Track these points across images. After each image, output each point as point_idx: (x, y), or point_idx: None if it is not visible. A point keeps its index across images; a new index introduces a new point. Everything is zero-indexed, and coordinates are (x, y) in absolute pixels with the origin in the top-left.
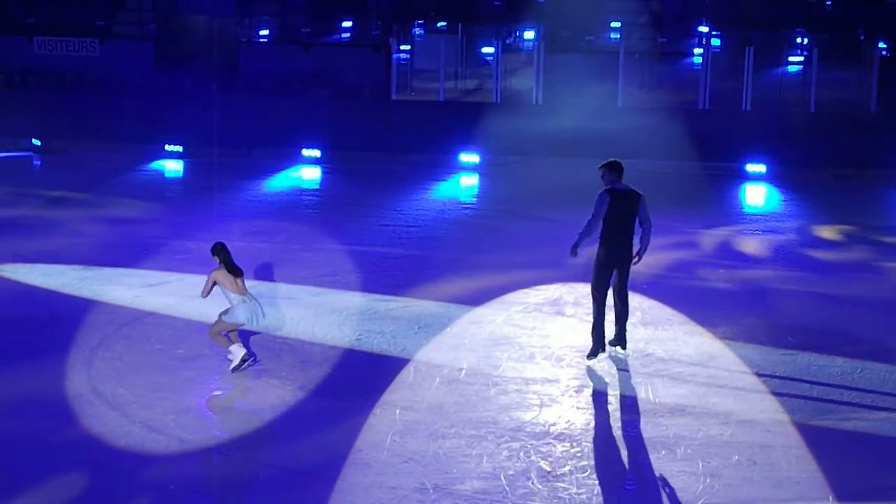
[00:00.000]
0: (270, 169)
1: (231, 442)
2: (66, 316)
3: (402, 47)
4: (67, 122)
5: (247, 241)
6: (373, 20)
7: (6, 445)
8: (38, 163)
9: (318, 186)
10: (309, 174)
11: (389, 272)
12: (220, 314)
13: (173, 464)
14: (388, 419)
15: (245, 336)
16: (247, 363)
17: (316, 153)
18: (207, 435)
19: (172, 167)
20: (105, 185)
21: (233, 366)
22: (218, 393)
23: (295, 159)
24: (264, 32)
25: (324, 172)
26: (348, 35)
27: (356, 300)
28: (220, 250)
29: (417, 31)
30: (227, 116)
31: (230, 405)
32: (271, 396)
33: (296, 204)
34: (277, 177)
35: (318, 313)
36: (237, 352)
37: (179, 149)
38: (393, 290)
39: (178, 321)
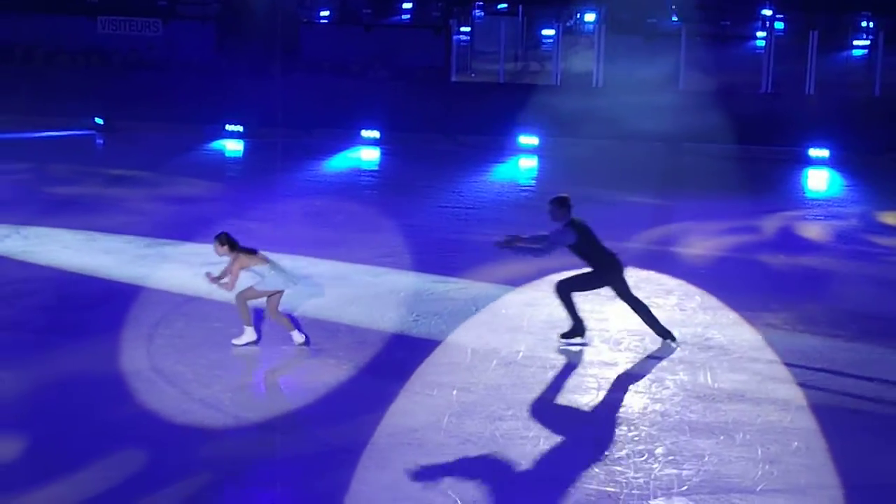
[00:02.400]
0: (330, 149)
1: (286, 420)
2: (126, 293)
3: (463, 29)
4: (130, 102)
5: (306, 221)
6: (433, 2)
7: (67, 422)
8: (101, 141)
9: (376, 167)
10: (368, 155)
11: (447, 254)
12: (251, 287)
13: (230, 441)
14: (445, 400)
15: (302, 318)
16: (249, 345)
17: (375, 134)
18: (263, 412)
19: (232, 147)
20: (166, 163)
21: (236, 340)
22: (274, 371)
23: (354, 140)
24: (325, 13)
25: (382, 153)
26: (409, 16)
27: (413, 281)
28: (228, 239)
29: (478, 12)
30: (287, 97)
31: (287, 383)
32: (327, 375)
33: (354, 185)
34: (336, 157)
35: (376, 294)
36: (249, 332)
37: (240, 129)
38: (450, 271)
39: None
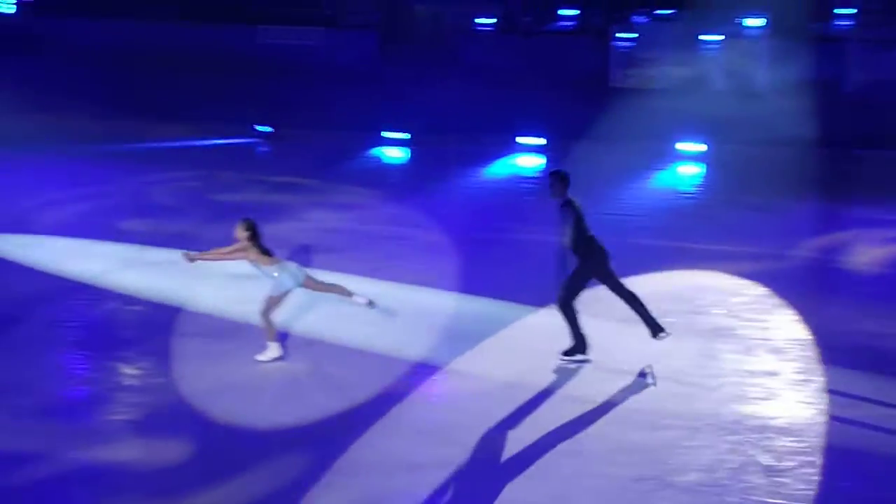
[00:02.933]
0: (489, 156)
1: (445, 429)
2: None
3: (624, 35)
4: (292, 109)
5: (466, 227)
6: (594, 8)
7: (233, 425)
8: (264, 149)
9: (536, 174)
10: (528, 162)
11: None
12: (268, 296)
13: (398, 446)
14: (606, 409)
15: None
16: (275, 360)
17: (535, 141)
18: (425, 419)
19: (393, 154)
20: (328, 171)
21: (261, 356)
22: (439, 379)
23: (514, 147)
24: (486, 21)
25: (545, 160)
26: (569, 24)
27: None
28: (252, 227)
29: (639, 18)
30: (447, 104)
31: (446, 391)
32: (489, 385)
33: (514, 191)
34: (496, 164)
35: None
36: (273, 349)
37: (400, 136)
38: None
39: (395, 305)
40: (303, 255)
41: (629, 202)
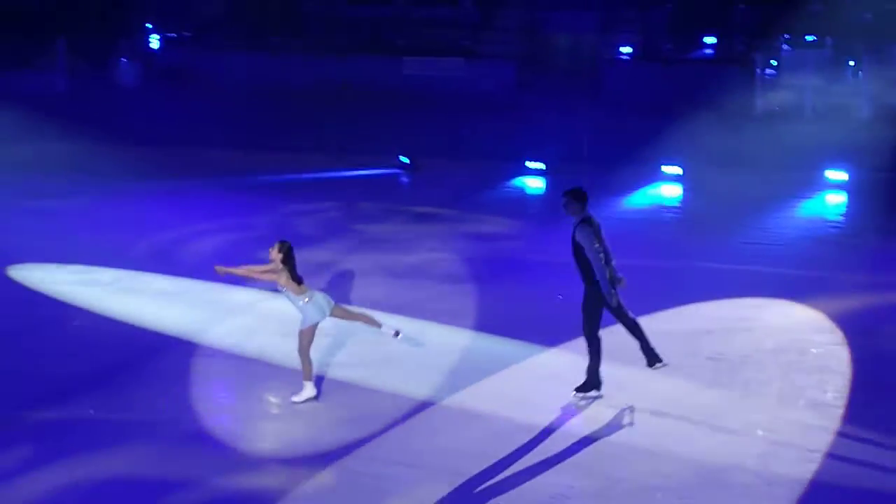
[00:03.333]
0: (631, 186)
1: (581, 459)
2: (423, 329)
3: (768, 62)
4: (433, 140)
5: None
6: (737, 35)
7: (380, 454)
8: (406, 179)
9: (678, 203)
10: (669, 191)
11: (748, 290)
12: (299, 331)
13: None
14: (750, 439)
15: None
16: (308, 401)
17: (676, 170)
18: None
19: (534, 184)
20: (468, 200)
21: (296, 398)
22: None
23: (654, 176)
24: (626, 50)
25: (684, 189)
26: (711, 51)
27: (716, 313)
28: (288, 250)
29: (783, 45)
30: (588, 133)
31: (582, 420)
32: (625, 417)
33: (656, 220)
34: (637, 194)
35: (676, 322)
36: (308, 389)
37: (541, 165)
38: (749, 308)
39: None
40: (442, 283)
41: (773, 231)
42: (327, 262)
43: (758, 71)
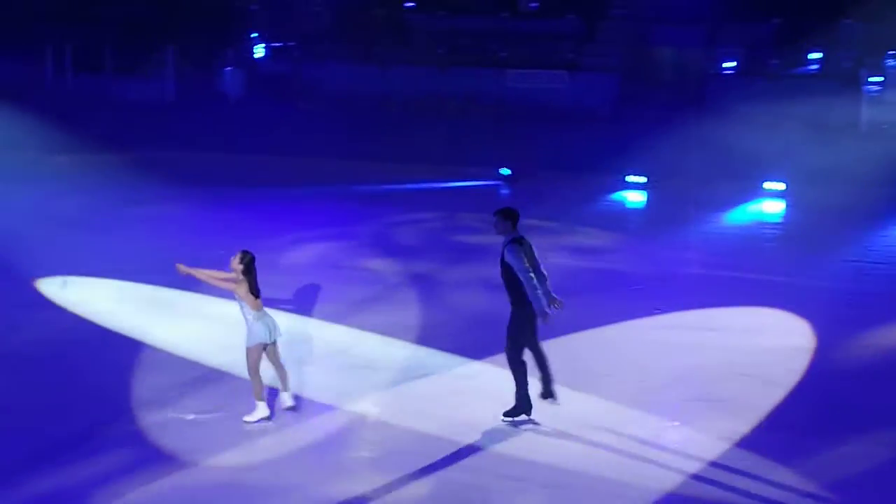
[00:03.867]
0: (732, 201)
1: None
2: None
3: (874, 78)
4: (535, 152)
5: (706, 270)
6: (843, 51)
7: (475, 463)
8: (506, 191)
9: (780, 219)
10: (771, 207)
11: (846, 309)
12: (246, 348)
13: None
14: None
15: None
16: (261, 421)
17: (779, 186)
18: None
19: (635, 197)
20: (569, 213)
21: (248, 417)
22: (674, 425)
23: (757, 192)
24: (731, 64)
25: (787, 205)
26: (817, 66)
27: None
28: (249, 262)
29: (889, 61)
30: (690, 148)
31: (699, 442)
32: (727, 431)
33: (757, 237)
34: (738, 209)
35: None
36: (261, 409)
37: (642, 179)
38: (859, 326)
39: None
40: None
41: (879, 250)
42: (427, 273)
43: (864, 87)
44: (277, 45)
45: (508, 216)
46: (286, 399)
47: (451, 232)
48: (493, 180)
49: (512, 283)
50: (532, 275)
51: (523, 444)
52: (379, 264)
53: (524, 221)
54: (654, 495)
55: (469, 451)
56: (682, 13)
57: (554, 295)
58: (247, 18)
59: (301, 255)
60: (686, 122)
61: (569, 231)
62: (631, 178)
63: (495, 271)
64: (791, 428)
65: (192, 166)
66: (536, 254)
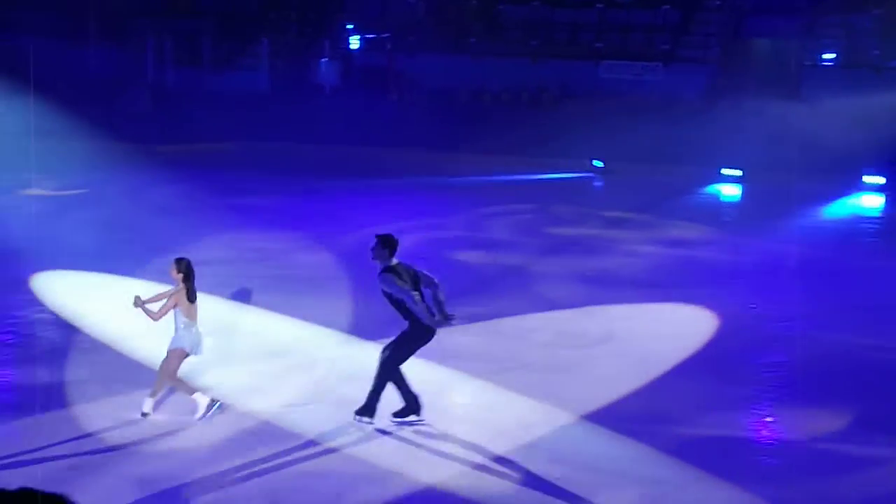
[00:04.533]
0: (830, 195)
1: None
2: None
3: None
4: (628, 145)
5: (803, 265)
6: None
7: (566, 455)
8: (599, 183)
9: (879, 214)
10: (870, 202)
11: None
12: (170, 350)
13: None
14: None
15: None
16: (213, 409)
17: (879, 180)
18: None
19: (729, 191)
20: (662, 206)
21: (199, 415)
22: (770, 419)
23: (856, 186)
24: (830, 55)
25: (887, 200)
26: None
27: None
28: (187, 267)
29: None
30: (785, 141)
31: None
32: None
33: (855, 232)
34: (836, 204)
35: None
36: (201, 400)
37: (737, 172)
38: None
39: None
40: (628, 289)
41: None
42: (519, 265)
43: None
44: (372, 36)
45: (386, 244)
46: (147, 404)
47: (543, 224)
48: (586, 172)
49: (399, 308)
50: (414, 293)
51: (621, 440)
52: (471, 256)
53: (615, 214)
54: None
55: (563, 442)
56: (780, 3)
57: (445, 310)
58: (342, 9)
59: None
60: (783, 115)
61: (661, 224)
62: (726, 171)
63: (590, 264)
64: None
65: (286, 157)
66: (422, 268)
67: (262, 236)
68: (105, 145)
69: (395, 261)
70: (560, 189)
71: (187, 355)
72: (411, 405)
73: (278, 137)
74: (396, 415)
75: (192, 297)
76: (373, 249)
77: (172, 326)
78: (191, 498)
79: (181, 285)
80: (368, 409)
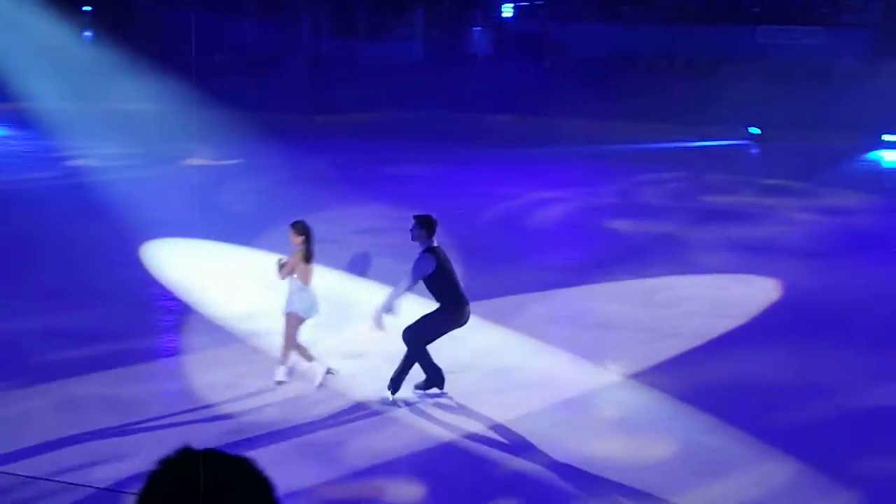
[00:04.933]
0: None
1: None
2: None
3: None
4: (784, 111)
5: None
6: None
7: (723, 425)
8: (755, 151)
9: None
10: None
11: None
12: (286, 314)
13: None
14: None
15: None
16: (329, 374)
17: None
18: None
19: (890, 157)
20: (820, 173)
21: (316, 382)
22: None
23: None
24: None
25: None
26: None
27: None
28: (304, 229)
29: None
30: None
31: None
32: None
33: None
34: None
35: None
36: (318, 367)
37: None
38: None
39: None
40: (785, 258)
41: None
42: (672, 233)
43: None
44: (525, 3)
45: (424, 224)
46: (279, 372)
47: (697, 192)
48: (742, 139)
49: (432, 289)
50: (408, 286)
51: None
52: (623, 224)
53: (772, 181)
54: None
55: (716, 413)
56: None
57: (382, 324)
58: None
59: (546, 215)
60: None
61: (820, 192)
62: (887, 137)
63: (745, 232)
64: None
65: (439, 126)
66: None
67: (414, 205)
68: (261, 116)
69: (435, 242)
70: (715, 157)
71: (303, 319)
72: (433, 378)
73: (431, 107)
74: (417, 387)
75: (308, 258)
76: (412, 230)
77: (287, 290)
78: None
79: (301, 247)
80: (395, 384)
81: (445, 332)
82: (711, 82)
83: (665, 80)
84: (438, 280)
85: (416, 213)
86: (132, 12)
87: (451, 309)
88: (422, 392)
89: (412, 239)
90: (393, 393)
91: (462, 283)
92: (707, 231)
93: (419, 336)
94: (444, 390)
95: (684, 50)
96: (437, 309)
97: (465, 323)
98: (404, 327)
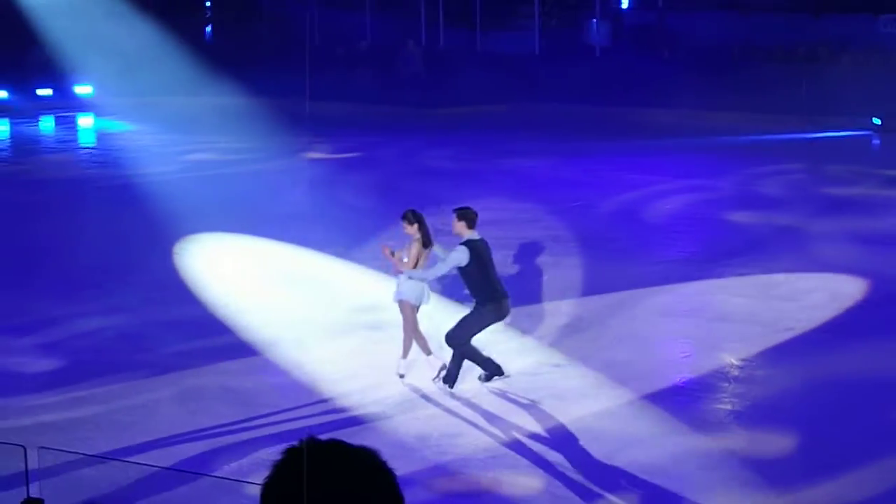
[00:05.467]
0: None
1: None
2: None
3: None
4: None
5: None
6: None
7: (841, 421)
8: (877, 142)
9: None
10: None
11: None
12: (398, 302)
13: None
14: None
15: None
16: (443, 372)
17: None
18: None
19: None
20: None
21: (434, 376)
22: None
23: None
24: None
25: None
26: None
27: None
28: (415, 216)
29: None
30: None
31: None
32: None
33: None
34: None
35: None
36: (435, 361)
37: None
38: None
39: None
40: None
41: None
42: (791, 226)
43: None
44: None
45: (462, 217)
46: (401, 366)
47: (817, 184)
48: (864, 130)
49: (475, 285)
50: (438, 270)
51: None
52: (743, 216)
53: (895, 173)
54: None
55: (836, 408)
56: None
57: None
58: None
59: (664, 207)
60: None
61: None
62: None
63: (868, 224)
64: None
65: (557, 119)
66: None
67: (532, 197)
68: (379, 109)
69: (476, 234)
70: (835, 148)
71: (416, 307)
72: (490, 369)
73: (549, 99)
74: (481, 379)
75: (427, 244)
76: (453, 224)
77: (395, 280)
78: None
79: (417, 235)
80: (450, 377)
81: (486, 326)
82: (832, 72)
83: (784, 70)
84: (473, 273)
85: (456, 207)
86: (253, 7)
87: (487, 304)
88: (487, 384)
89: (454, 232)
90: (450, 387)
91: (500, 278)
92: (828, 223)
93: (461, 333)
94: (507, 374)
95: (803, 39)
96: (474, 307)
97: (504, 316)
98: (445, 332)
